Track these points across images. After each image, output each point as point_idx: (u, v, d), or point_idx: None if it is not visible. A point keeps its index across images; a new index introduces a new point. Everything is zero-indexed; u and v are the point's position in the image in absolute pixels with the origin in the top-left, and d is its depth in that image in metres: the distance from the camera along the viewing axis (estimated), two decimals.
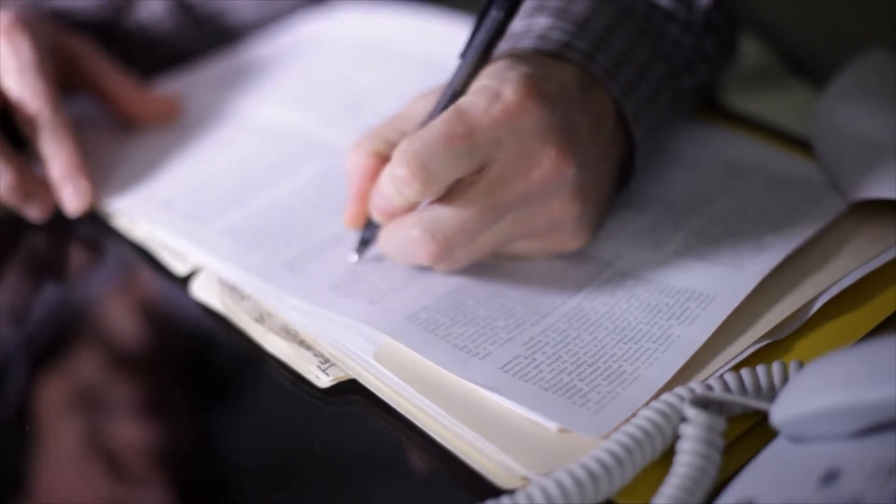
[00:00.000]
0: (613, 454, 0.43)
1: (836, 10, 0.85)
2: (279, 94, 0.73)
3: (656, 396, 0.47)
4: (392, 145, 0.53)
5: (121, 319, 0.60)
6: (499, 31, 0.52)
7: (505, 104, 0.50)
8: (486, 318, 0.52)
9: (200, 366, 0.57)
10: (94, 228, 0.63)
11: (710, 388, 0.46)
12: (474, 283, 0.54)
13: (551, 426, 0.46)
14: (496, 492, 0.44)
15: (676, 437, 0.44)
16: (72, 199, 0.62)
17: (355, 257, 0.56)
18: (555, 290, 0.54)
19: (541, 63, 0.53)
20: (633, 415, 0.46)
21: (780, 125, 0.67)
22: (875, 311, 0.51)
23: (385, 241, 0.54)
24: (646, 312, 0.52)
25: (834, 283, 0.52)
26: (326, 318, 0.53)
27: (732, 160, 0.62)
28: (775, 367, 0.47)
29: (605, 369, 0.48)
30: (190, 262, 0.59)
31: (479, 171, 0.51)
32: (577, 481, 0.42)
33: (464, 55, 0.53)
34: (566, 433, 0.45)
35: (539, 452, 0.45)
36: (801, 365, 0.47)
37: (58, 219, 0.63)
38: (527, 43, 0.55)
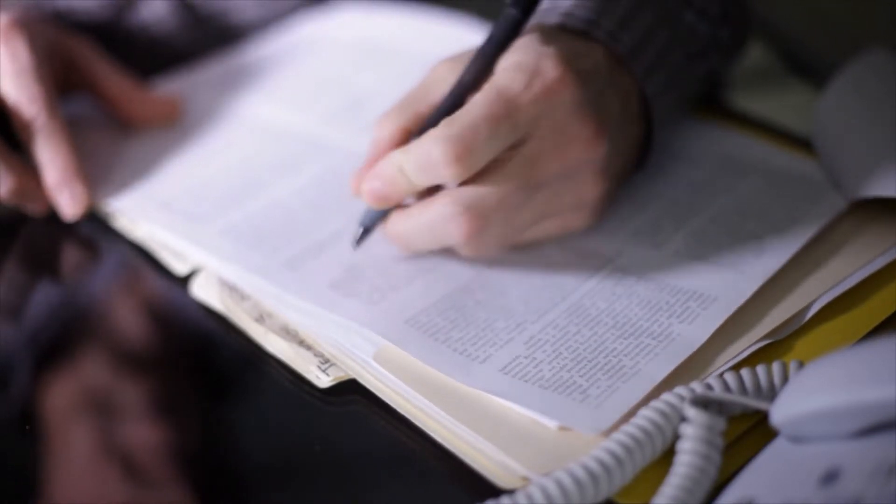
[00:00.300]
0: (613, 454, 0.43)
1: (836, 10, 0.85)
2: (279, 94, 0.73)
3: (656, 390, 0.47)
4: (422, 118, 0.53)
5: (121, 320, 0.60)
6: (514, 31, 0.52)
7: (544, 81, 0.50)
8: (486, 319, 0.52)
9: (200, 366, 0.57)
10: (94, 229, 0.63)
11: (710, 387, 0.46)
12: (474, 282, 0.54)
13: (551, 424, 0.46)
14: (496, 492, 0.44)
15: (676, 437, 0.44)
16: (68, 205, 0.62)
17: (355, 246, 0.56)
18: (555, 287, 0.54)
19: (569, 40, 0.53)
20: (633, 412, 0.46)
21: (781, 124, 0.67)
22: (875, 311, 0.51)
23: (404, 224, 0.53)
24: (646, 310, 0.52)
25: (834, 286, 0.52)
26: (326, 318, 0.53)
27: (733, 159, 0.62)
28: (775, 367, 0.47)
29: (605, 364, 0.49)
30: (190, 262, 0.59)
31: (514, 147, 0.51)
32: (577, 481, 0.42)
33: (479, 52, 0.53)
34: (566, 432, 0.45)
35: (539, 452, 0.45)
36: (801, 365, 0.47)
37: (57, 219, 0.63)
38: (553, 19, 0.55)
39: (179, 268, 0.59)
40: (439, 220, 0.52)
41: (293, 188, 0.63)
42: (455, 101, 0.53)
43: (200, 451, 0.51)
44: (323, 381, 0.51)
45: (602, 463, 0.43)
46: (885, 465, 0.38)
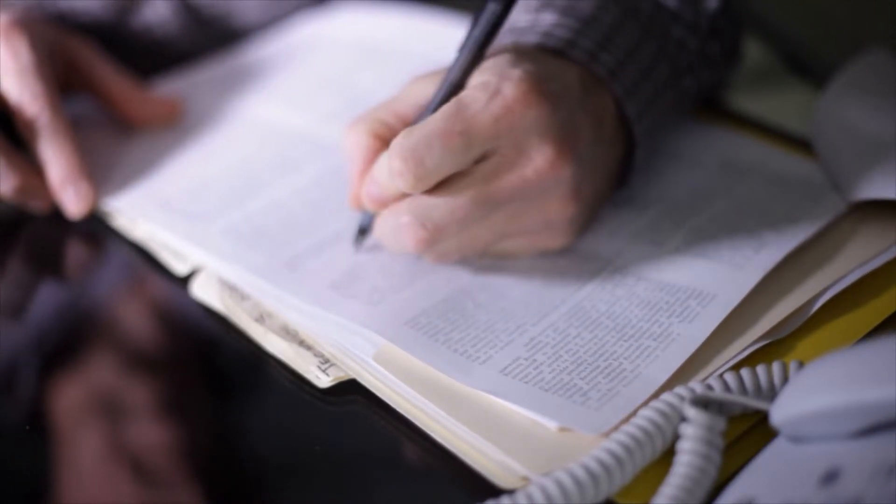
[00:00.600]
0: (613, 454, 0.43)
1: (836, 10, 0.85)
2: (279, 94, 0.73)
3: (657, 394, 0.47)
4: (388, 127, 0.54)
5: (120, 320, 0.60)
6: (496, 24, 0.52)
7: (505, 101, 0.50)
8: (487, 321, 0.52)
9: (200, 366, 0.57)
10: (94, 228, 0.63)
11: (710, 387, 0.46)
12: (474, 284, 0.54)
13: (551, 425, 0.46)
14: (496, 492, 0.44)
15: (676, 437, 0.44)
16: (73, 202, 0.62)
17: (355, 247, 0.56)
18: (555, 289, 0.54)
19: (544, 61, 0.53)
20: (634, 413, 0.46)
21: (781, 125, 0.67)
22: (875, 311, 0.51)
23: (379, 228, 0.54)
24: (646, 310, 0.52)
25: (834, 283, 0.52)
26: (326, 319, 0.53)
27: (733, 159, 0.62)
28: (775, 367, 0.47)
29: (606, 367, 0.48)
30: (190, 262, 0.59)
31: (478, 163, 0.51)
32: (577, 481, 0.42)
33: (461, 48, 0.53)
34: (566, 432, 0.45)
35: (539, 452, 0.45)
36: (801, 365, 0.47)
37: (57, 218, 0.63)
38: (531, 39, 0.55)
39: (179, 268, 0.59)
40: (396, 227, 0.52)
41: (293, 188, 0.63)
42: (444, 98, 0.52)
43: (200, 451, 0.51)
44: (323, 381, 0.51)
45: (602, 463, 0.43)
46: (885, 465, 0.38)
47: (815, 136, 0.62)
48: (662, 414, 0.45)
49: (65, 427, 0.52)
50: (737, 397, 0.45)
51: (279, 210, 0.61)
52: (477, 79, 0.52)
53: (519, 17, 0.57)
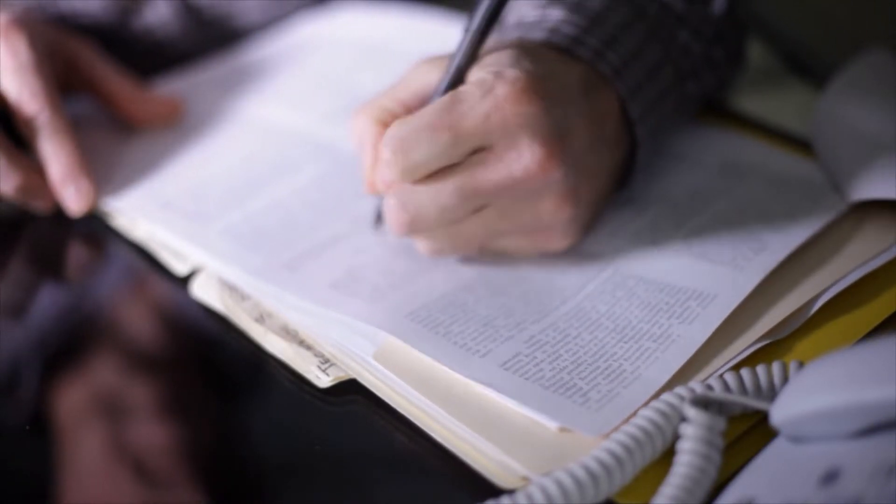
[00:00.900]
0: (613, 454, 0.43)
1: (836, 10, 0.85)
2: (279, 94, 0.73)
3: (657, 396, 0.47)
4: (392, 114, 0.54)
5: (120, 320, 0.61)
6: (499, 6, 0.52)
7: (497, 99, 0.50)
8: (487, 316, 0.52)
9: (200, 366, 0.57)
10: (94, 228, 0.64)
11: (710, 387, 0.46)
12: (475, 280, 0.54)
13: (551, 425, 0.46)
14: (496, 492, 0.44)
15: (676, 437, 0.44)
16: (74, 200, 0.62)
17: (375, 228, 0.58)
18: (556, 289, 0.54)
19: (547, 58, 0.53)
20: (634, 414, 0.46)
21: (781, 125, 0.67)
22: (875, 311, 0.51)
23: (384, 209, 0.54)
24: (646, 311, 0.52)
25: (834, 283, 0.52)
26: (326, 318, 0.53)
27: (733, 160, 0.62)
28: (775, 367, 0.47)
29: (606, 368, 0.48)
30: (190, 262, 0.59)
31: (468, 156, 0.51)
32: (577, 481, 0.42)
33: (467, 29, 0.53)
34: (566, 433, 0.45)
35: (539, 452, 0.45)
36: (801, 365, 0.47)
37: (57, 218, 0.63)
38: (537, 35, 0.55)
39: (179, 268, 0.59)
40: (387, 210, 0.53)
41: (293, 188, 0.63)
42: (452, 84, 0.53)
43: (200, 451, 0.51)
44: (323, 381, 0.51)
45: (602, 463, 0.43)
46: (885, 465, 0.38)
47: (815, 136, 0.62)
48: (662, 414, 0.45)
49: (65, 427, 0.52)
50: (737, 397, 0.45)
51: (279, 210, 0.61)
52: (476, 74, 0.52)
53: (527, 12, 0.57)
